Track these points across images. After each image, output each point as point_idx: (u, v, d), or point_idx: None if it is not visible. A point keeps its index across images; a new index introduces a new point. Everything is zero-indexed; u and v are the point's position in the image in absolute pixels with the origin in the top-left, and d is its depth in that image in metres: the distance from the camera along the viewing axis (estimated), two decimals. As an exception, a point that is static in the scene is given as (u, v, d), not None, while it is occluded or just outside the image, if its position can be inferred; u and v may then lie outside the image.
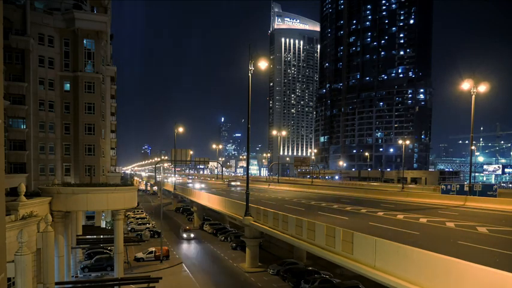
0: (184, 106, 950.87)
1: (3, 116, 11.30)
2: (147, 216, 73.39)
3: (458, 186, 49.66)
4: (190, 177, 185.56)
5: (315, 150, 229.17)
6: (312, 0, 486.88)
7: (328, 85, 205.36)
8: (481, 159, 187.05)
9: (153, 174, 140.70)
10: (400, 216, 31.71)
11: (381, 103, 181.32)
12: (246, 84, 33.85)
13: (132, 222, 65.84)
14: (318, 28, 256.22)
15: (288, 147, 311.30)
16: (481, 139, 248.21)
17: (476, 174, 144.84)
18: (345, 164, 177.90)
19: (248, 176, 38.68)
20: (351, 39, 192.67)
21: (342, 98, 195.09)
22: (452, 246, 19.89)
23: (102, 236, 44.03)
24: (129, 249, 44.06)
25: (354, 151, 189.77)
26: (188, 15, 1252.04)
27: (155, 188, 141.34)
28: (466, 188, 46.00)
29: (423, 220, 29.42)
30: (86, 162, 45.63)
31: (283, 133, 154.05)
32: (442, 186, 53.01)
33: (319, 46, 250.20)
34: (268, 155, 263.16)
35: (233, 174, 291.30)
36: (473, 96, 42.07)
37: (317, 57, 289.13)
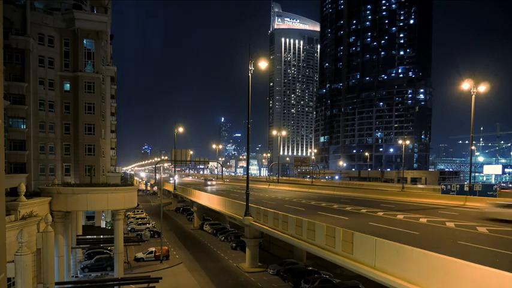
0: (184, 106, 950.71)
1: (3, 116, 11.30)
2: (147, 216, 73.41)
3: (458, 186, 49.58)
4: (190, 177, 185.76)
5: (315, 150, 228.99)
6: (312, 0, 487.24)
7: (328, 85, 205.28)
8: (481, 159, 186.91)
9: (153, 174, 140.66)
10: (400, 216, 31.70)
11: (381, 103, 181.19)
12: (246, 84, 33.88)
13: (132, 222, 65.88)
14: (318, 28, 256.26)
15: (288, 147, 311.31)
16: (481, 139, 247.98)
17: (477, 174, 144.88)
18: (344, 164, 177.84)
19: (248, 176, 38.66)
20: (351, 39, 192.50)
21: (342, 98, 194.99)
22: (452, 246, 19.88)
23: (102, 236, 44.08)
24: (129, 249, 44.11)
25: (354, 151, 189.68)
26: (188, 15, 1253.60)
27: (155, 188, 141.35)
28: (466, 188, 45.95)
29: (423, 220, 29.41)
30: (86, 162, 45.62)
31: (283, 133, 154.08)
32: (442, 186, 52.92)
33: (319, 46, 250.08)
34: (268, 155, 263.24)
35: (233, 174, 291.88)
36: (473, 96, 42.11)
37: (317, 57, 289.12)
